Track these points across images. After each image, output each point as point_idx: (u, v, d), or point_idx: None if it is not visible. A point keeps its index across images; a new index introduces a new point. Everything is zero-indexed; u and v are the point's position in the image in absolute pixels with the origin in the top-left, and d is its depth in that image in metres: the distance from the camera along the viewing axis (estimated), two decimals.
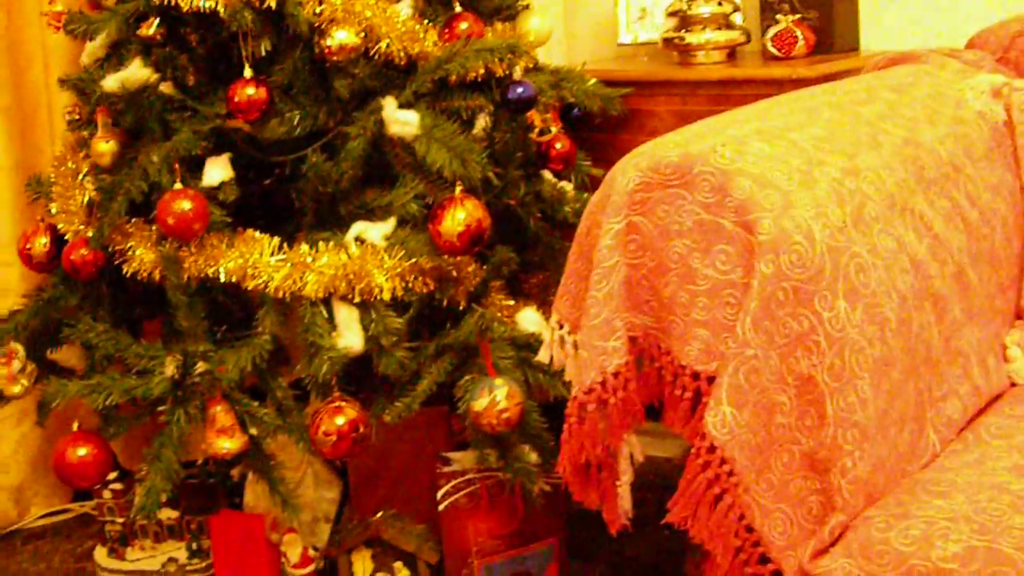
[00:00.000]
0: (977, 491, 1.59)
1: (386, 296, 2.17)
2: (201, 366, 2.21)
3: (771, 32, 2.68)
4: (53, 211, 2.43)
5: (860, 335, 1.57)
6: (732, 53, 2.77)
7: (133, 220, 2.31)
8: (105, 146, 2.32)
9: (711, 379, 1.59)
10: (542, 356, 1.85)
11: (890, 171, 1.79)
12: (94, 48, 2.37)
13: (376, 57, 2.24)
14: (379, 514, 2.46)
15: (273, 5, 2.19)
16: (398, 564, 2.47)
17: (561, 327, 1.79)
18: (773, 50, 2.68)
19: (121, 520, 2.74)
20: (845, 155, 1.74)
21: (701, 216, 1.60)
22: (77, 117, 2.50)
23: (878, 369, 1.59)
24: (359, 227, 2.21)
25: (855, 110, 1.91)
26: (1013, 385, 1.98)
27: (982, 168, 2.03)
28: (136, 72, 2.26)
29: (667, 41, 2.78)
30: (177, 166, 2.23)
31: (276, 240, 2.23)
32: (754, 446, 1.56)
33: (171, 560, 2.72)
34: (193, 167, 2.27)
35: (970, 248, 1.92)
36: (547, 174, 2.50)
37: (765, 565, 1.58)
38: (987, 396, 1.91)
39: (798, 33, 2.66)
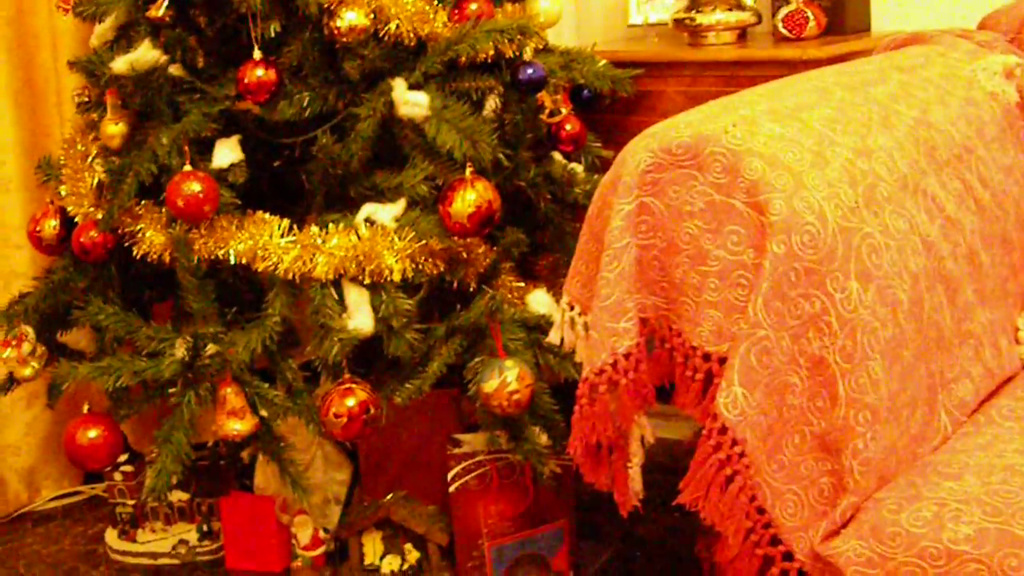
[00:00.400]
0: (989, 473, 1.58)
1: (396, 278, 2.17)
2: (211, 348, 2.22)
3: (782, 13, 2.67)
4: (63, 193, 2.43)
5: (872, 316, 1.56)
6: (743, 34, 2.76)
7: (143, 202, 2.31)
8: (114, 128, 2.31)
9: (722, 360, 1.58)
10: (552, 337, 1.85)
11: (902, 152, 1.79)
12: (103, 30, 2.37)
13: (386, 38, 2.23)
14: (389, 496, 2.46)
15: None
16: (408, 546, 2.47)
17: (572, 308, 1.79)
18: (784, 31, 2.67)
19: (132, 502, 2.75)
20: (857, 136, 1.74)
21: (712, 197, 1.59)
22: (86, 99, 2.50)
23: (890, 350, 1.58)
24: (369, 209, 2.21)
25: (866, 91, 1.90)
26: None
27: (994, 149, 2.02)
28: (145, 54, 2.25)
29: (677, 22, 2.77)
30: (187, 148, 2.23)
31: (286, 222, 2.22)
32: (765, 427, 1.56)
33: (182, 542, 2.73)
34: (203, 149, 2.26)
35: (982, 229, 1.91)
36: (557, 155, 2.49)
37: (776, 547, 1.58)
38: (999, 378, 1.90)
39: (809, 14, 2.65)
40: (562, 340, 1.82)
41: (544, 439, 2.27)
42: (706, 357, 1.60)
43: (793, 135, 1.65)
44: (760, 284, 1.53)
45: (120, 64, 2.26)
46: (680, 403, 1.65)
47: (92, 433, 2.32)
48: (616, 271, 1.64)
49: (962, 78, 2.10)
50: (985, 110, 2.06)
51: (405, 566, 2.48)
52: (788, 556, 1.58)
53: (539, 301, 2.29)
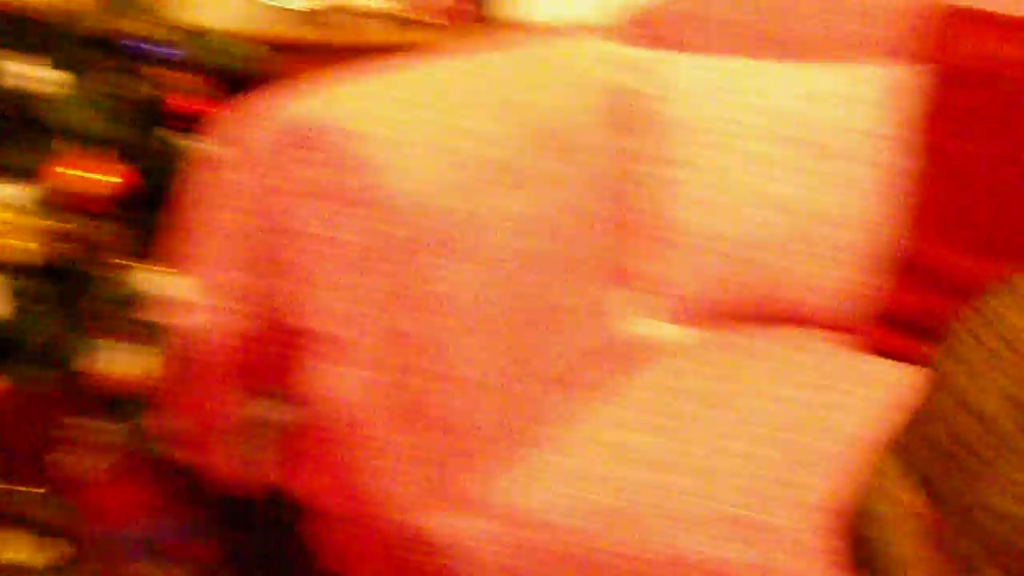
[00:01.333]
0: (590, 447, 1.65)
1: (7, 258, 2.09)
2: None
3: None
4: None
5: (468, 295, 1.60)
6: (378, 18, 2.77)
7: None
8: None
9: (327, 339, 1.59)
10: (163, 318, 1.82)
11: (505, 136, 1.83)
12: None
13: None
14: (11, 488, 2.39)
15: None
16: (31, 537, 2.40)
17: (179, 288, 1.76)
18: (416, 17, 2.70)
19: None
20: (460, 118, 1.77)
21: (319, 176, 1.60)
22: None
23: (486, 329, 1.63)
24: None
25: (477, 77, 1.94)
26: (621, 344, 2.06)
27: (598, 134, 2.10)
28: None
29: (313, 5, 2.77)
30: None
31: None
32: (370, 406, 1.57)
33: None
34: None
35: (579, 211, 1.98)
36: (175, 134, 2.45)
37: (386, 526, 1.60)
38: (597, 356, 1.98)
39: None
40: (172, 320, 1.79)
41: (164, 424, 2.23)
42: (310, 336, 1.61)
43: (397, 116, 1.67)
44: (357, 261, 1.55)
45: None
46: (285, 383, 1.65)
47: None
48: (216, 250, 1.63)
49: (574, 67, 2.17)
50: (592, 97, 2.14)
51: (33, 559, 2.40)
52: (400, 535, 1.60)
53: (155, 282, 2.25)
